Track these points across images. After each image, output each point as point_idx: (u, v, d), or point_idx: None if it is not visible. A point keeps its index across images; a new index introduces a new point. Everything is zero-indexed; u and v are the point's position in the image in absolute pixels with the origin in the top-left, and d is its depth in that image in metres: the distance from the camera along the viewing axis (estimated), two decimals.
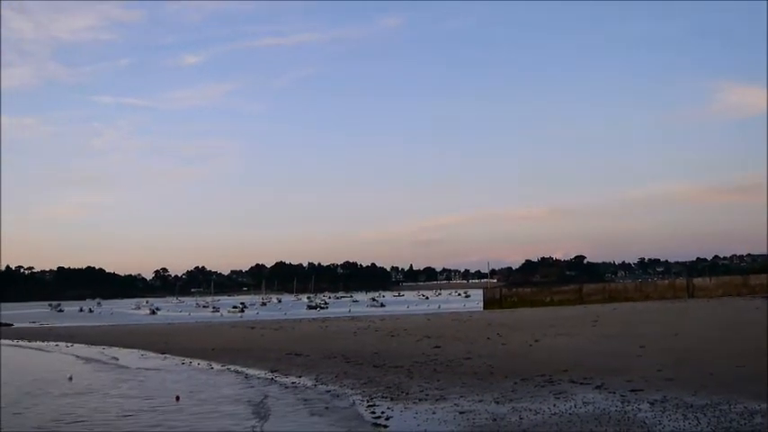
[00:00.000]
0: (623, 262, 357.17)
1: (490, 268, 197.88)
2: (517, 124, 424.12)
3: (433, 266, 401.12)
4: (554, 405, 17.87)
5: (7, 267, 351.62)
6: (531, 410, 17.37)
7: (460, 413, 17.68)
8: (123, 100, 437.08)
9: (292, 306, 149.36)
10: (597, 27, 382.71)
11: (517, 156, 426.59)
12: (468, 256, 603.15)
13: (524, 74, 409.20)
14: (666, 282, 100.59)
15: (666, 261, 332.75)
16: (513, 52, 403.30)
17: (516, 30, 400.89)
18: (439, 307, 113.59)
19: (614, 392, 19.14)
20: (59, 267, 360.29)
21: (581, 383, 21.00)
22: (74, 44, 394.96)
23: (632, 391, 19.12)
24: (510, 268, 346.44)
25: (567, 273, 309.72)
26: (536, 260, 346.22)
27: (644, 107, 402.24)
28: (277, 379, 27.03)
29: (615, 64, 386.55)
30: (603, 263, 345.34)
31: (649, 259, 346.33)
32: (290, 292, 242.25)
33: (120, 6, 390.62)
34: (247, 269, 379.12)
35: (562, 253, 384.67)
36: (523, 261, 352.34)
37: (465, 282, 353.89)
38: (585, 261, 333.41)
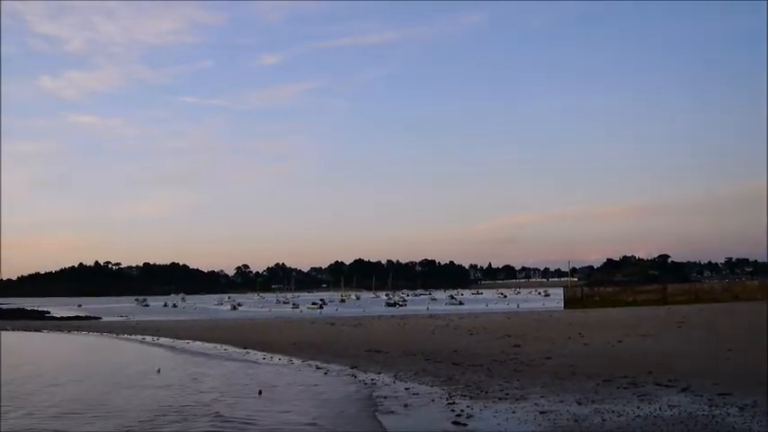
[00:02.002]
0: (709, 261, 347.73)
1: (571, 267, 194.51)
2: (602, 119, 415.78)
3: (512, 265, 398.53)
4: (638, 407, 17.47)
5: (96, 263, 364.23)
6: (614, 412, 17.02)
7: (541, 413, 17.46)
8: (205, 100, 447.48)
9: (371, 303, 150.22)
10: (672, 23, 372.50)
11: (601, 152, 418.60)
12: (548, 255, 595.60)
13: (607, 67, 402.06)
14: (756, 282, 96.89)
15: (755, 261, 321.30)
16: (593, 46, 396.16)
17: (597, 26, 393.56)
18: (518, 306, 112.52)
19: (701, 396, 18.58)
20: (145, 263, 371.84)
21: (666, 386, 20.47)
22: (158, 47, 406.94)
23: (720, 394, 18.51)
24: (591, 267, 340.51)
25: (650, 272, 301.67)
26: (618, 259, 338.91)
27: (735, 101, 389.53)
28: (357, 375, 27.15)
29: (704, 58, 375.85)
30: (689, 262, 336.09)
31: (737, 259, 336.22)
32: (369, 289, 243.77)
33: (202, 9, 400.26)
34: (326, 266, 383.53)
35: (645, 252, 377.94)
36: (605, 260, 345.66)
37: (545, 280, 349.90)
38: (670, 260, 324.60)
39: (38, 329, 72.62)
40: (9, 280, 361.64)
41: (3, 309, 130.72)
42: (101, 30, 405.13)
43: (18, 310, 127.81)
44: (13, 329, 71.53)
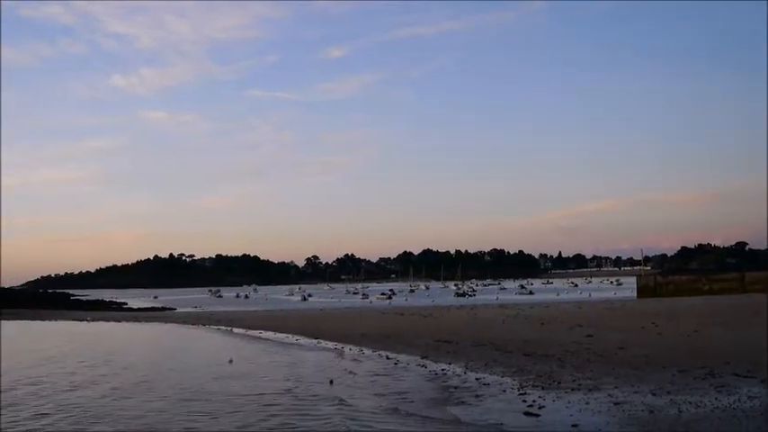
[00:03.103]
0: None
1: (643, 255, 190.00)
2: (677, 104, 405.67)
3: (582, 253, 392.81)
4: (716, 399, 17.07)
5: (170, 255, 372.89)
6: (690, 403, 16.67)
7: (615, 404, 17.22)
8: (274, 94, 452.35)
9: (440, 293, 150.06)
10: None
11: (674, 138, 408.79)
12: (619, 243, 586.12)
13: (681, 50, 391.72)
14: None
15: None
16: (666, 29, 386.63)
17: (668, 8, 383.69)
18: (590, 295, 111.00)
19: None
20: (218, 255, 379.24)
21: (745, 377, 19.94)
22: (226, 42, 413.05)
23: None
24: (665, 255, 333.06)
25: (727, 260, 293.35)
26: (693, 247, 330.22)
27: None
28: (427, 365, 27.19)
29: None
30: None
31: None
32: (438, 279, 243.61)
33: (268, 5, 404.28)
34: (395, 256, 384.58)
35: (721, 239, 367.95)
36: (679, 248, 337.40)
37: (617, 269, 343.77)
38: (747, 248, 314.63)
39: (117, 320, 74.74)
40: (88, 272, 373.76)
41: (82, 300, 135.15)
42: (171, 27, 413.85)
43: (97, 301, 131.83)
44: (93, 320, 73.69)
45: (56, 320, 75.75)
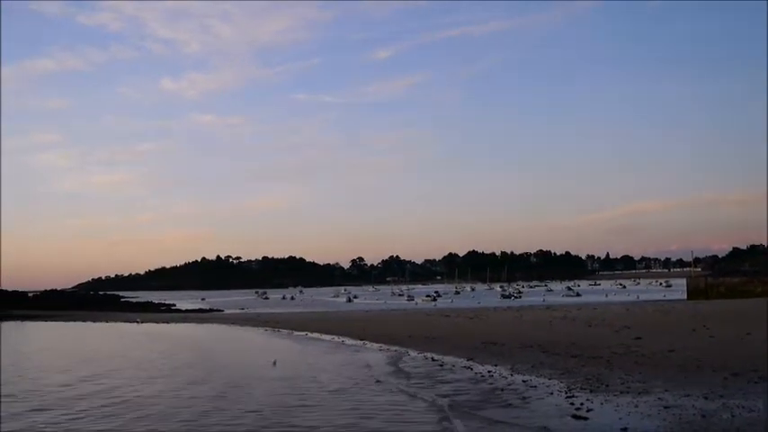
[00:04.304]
0: None
1: (694, 256, 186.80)
2: (729, 103, 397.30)
3: (630, 255, 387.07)
4: None
5: (217, 257, 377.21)
6: (743, 408, 16.30)
7: (665, 408, 16.91)
8: (318, 97, 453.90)
9: (485, 295, 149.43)
10: None
11: (726, 137, 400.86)
12: (669, 244, 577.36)
13: (730, 48, 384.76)
14: None
15: None
16: (716, 28, 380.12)
17: (725, 9, 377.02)
18: (638, 297, 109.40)
19: None
20: (264, 257, 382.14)
21: None
22: (271, 46, 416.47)
23: None
24: (715, 257, 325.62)
25: None
26: (745, 248, 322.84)
27: None
28: (473, 367, 27.05)
29: None
30: None
31: None
32: (483, 281, 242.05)
33: (313, 7, 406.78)
34: (440, 258, 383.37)
35: None
36: (731, 249, 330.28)
37: (666, 271, 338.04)
38: None
39: (166, 321, 75.86)
40: (137, 274, 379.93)
41: (132, 302, 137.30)
42: (217, 32, 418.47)
43: (146, 303, 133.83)
44: (142, 321, 74.86)
45: (107, 322, 77.18)
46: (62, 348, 46.64)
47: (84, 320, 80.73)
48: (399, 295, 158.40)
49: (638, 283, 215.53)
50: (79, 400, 22.60)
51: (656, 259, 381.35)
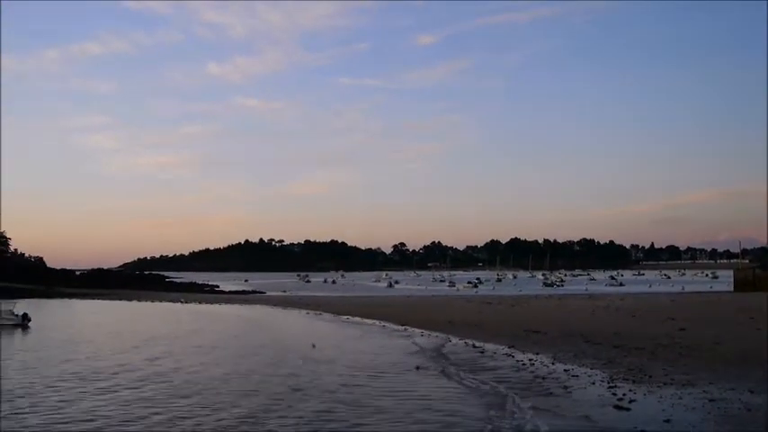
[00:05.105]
0: None
1: (741, 248, 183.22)
2: None
3: (676, 245, 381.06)
4: None
5: (260, 240, 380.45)
6: None
7: (710, 401, 16.70)
8: (362, 81, 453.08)
9: (528, 283, 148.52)
10: None
11: None
12: (716, 235, 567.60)
13: None
14: None
15: None
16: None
17: None
18: (683, 288, 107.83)
19: None
20: (306, 240, 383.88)
21: None
22: (317, 30, 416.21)
23: None
24: (764, 248, 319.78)
25: None
26: None
27: None
28: (514, 355, 26.98)
29: None
30: None
31: None
32: (525, 268, 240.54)
33: None
34: (482, 245, 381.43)
35: None
36: None
37: (712, 262, 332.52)
38: None
39: (209, 302, 76.90)
40: (182, 255, 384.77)
41: (176, 282, 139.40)
42: (263, 16, 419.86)
43: (191, 284, 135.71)
44: (186, 302, 75.96)
45: (151, 301, 78.52)
46: (119, 328, 47.50)
47: (129, 299, 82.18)
48: (441, 281, 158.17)
49: (684, 274, 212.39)
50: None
51: (702, 250, 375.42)
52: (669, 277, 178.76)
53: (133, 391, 20.85)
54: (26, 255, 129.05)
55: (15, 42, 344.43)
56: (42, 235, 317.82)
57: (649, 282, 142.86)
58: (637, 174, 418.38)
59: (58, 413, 17.64)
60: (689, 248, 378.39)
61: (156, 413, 17.47)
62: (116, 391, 20.74)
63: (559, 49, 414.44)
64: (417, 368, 24.44)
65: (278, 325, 48.92)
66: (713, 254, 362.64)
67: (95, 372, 24.77)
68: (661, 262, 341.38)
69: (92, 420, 16.77)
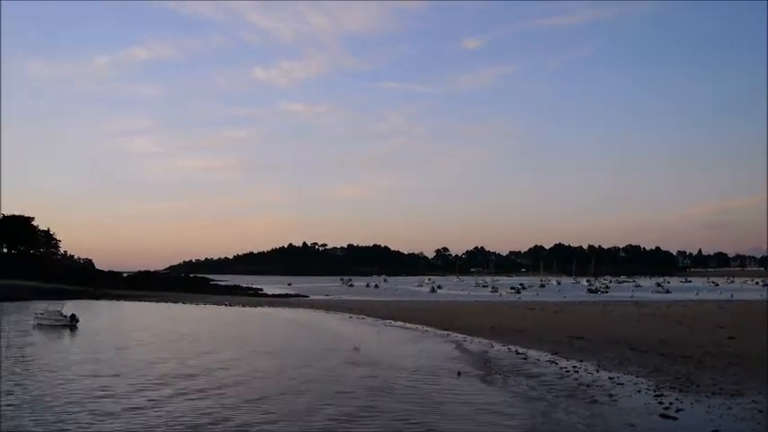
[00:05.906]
0: None
1: None
2: None
3: (724, 252, 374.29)
4: None
5: (304, 243, 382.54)
6: None
7: (759, 411, 16.36)
8: (406, 85, 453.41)
9: (571, 289, 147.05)
10: None
11: None
12: (765, 242, 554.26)
13: None
14: None
15: None
16: None
17: None
18: (731, 295, 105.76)
19: None
20: (349, 245, 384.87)
21: None
22: (362, 34, 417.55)
23: None
24: None
25: None
26: None
27: None
28: (557, 362, 26.72)
29: None
30: None
31: None
32: (569, 274, 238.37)
33: None
34: (526, 250, 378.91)
35: None
36: None
37: (762, 269, 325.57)
38: None
39: (252, 305, 77.51)
40: (226, 258, 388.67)
41: (220, 285, 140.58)
42: (309, 20, 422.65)
43: (234, 286, 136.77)
44: (230, 305, 76.65)
45: (196, 304, 79.41)
46: (174, 329, 48.14)
47: (175, 302, 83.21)
48: (483, 286, 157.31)
49: (732, 282, 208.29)
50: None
51: (752, 257, 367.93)
52: (717, 285, 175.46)
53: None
54: (75, 257, 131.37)
55: (66, 47, 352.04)
56: (91, 237, 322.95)
57: (696, 289, 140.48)
58: (684, 178, 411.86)
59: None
60: (738, 255, 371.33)
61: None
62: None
63: (604, 53, 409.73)
64: (459, 373, 24.32)
65: (323, 329, 49.12)
66: (763, 261, 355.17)
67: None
68: (709, 269, 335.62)
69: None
